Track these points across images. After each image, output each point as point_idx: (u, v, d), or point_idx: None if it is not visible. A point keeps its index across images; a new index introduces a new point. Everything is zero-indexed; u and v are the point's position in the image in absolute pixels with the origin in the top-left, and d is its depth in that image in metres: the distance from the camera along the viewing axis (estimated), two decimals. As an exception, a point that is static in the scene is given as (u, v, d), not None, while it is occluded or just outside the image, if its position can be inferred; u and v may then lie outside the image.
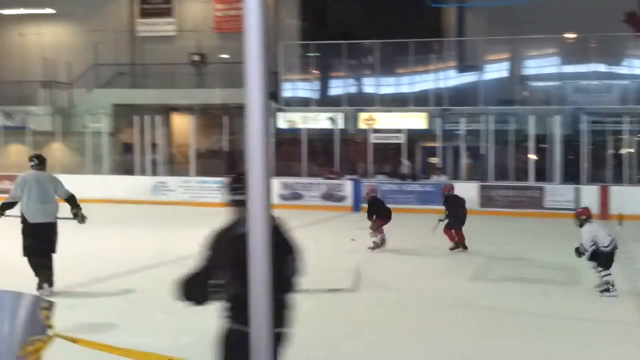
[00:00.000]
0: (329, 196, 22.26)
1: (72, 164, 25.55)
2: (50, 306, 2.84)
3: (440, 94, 24.15)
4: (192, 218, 17.31)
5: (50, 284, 9.03)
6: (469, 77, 25.38)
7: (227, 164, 24.45)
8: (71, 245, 10.32)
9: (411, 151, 23.96)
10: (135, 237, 15.01)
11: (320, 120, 24.38)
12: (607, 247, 9.25)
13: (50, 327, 2.82)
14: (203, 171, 23.70)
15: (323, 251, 12.07)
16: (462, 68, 25.83)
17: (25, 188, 9.22)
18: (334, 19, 28.58)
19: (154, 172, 24.22)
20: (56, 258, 9.23)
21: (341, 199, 22.07)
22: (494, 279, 11.11)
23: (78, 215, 9.46)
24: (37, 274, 9.01)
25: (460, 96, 24.28)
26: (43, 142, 26.54)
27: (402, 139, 23.10)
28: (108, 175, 24.38)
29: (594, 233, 9.30)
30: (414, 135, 23.77)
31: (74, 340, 2.97)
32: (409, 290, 9.97)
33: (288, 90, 25.98)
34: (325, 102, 25.97)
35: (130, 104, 26.18)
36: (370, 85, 26.05)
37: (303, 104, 25.54)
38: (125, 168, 25.73)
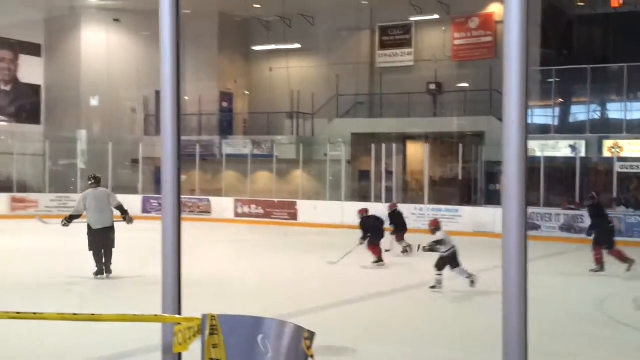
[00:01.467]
0: (568, 227, 21.24)
1: (312, 190, 26.81)
2: (311, 336, 2.90)
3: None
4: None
5: (109, 271, 12.02)
6: None
7: (462, 192, 24.27)
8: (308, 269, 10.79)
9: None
10: (357, 263, 15.18)
11: (560, 149, 23.42)
12: (445, 252, 11.28)
13: (312, 357, 2.88)
14: (437, 199, 23.70)
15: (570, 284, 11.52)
16: None
17: (85, 203, 12.30)
18: (578, 44, 27.43)
19: (389, 199, 24.62)
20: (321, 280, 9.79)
21: (582, 230, 20.94)
22: None
23: (126, 218, 12.46)
24: (97, 264, 12.02)
25: None
26: (286, 169, 28.23)
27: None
28: (345, 201, 25.20)
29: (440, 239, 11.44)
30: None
31: None
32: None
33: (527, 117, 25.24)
34: (566, 129, 24.88)
35: (368, 132, 26.94)
36: (616, 111, 24.57)
37: (542, 131, 24.68)
38: (361, 195, 26.47)
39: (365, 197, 25.43)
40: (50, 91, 31.05)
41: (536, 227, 21.50)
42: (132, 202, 26.49)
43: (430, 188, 24.17)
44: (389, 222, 16.11)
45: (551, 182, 23.47)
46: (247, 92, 32.64)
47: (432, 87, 27.66)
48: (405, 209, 23.64)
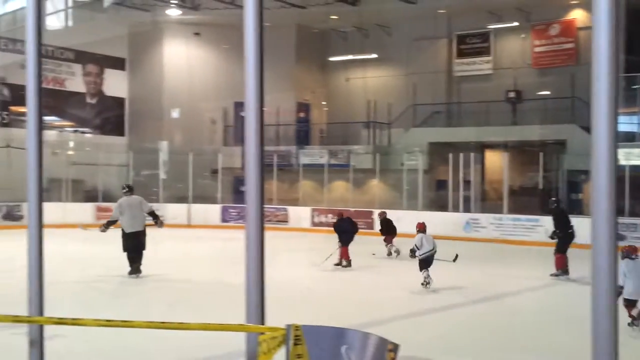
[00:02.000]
0: (655, 238, 20.47)
1: (389, 200, 26.69)
2: (395, 349, 2.89)
3: None
4: (503, 256, 17.06)
5: (139, 271, 13.17)
6: None
7: (542, 202, 23.67)
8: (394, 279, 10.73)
9: None
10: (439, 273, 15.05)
11: (646, 157, 22.62)
12: (423, 254, 12.52)
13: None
14: (516, 209, 23.25)
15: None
16: None
17: (120, 209, 13.59)
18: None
19: (467, 209, 24.31)
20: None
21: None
22: None
23: (157, 223, 13.81)
24: (130, 264, 13.21)
25: None
26: (363, 179, 28.22)
27: None
28: (422, 211, 24.99)
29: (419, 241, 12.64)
30: None
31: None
32: None
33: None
34: (652, 137, 24.04)
35: (446, 141, 26.69)
36: None
37: (627, 139, 23.89)
38: (438, 204, 26.22)
39: (442, 207, 25.18)
40: (133, 103, 32.01)
41: (622, 238, 20.80)
42: (211, 212, 27.10)
43: (509, 197, 23.73)
44: (379, 229, 18.09)
45: (636, 191, 22.69)
46: (324, 103, 32.84)
47: (512, 95, 27.20)
48: (483, 218, 23.38)
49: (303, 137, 31.54)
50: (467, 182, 24.84)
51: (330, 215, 26.15)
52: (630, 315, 9.35)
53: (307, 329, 3.14)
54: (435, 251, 12.75)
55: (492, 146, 27.53)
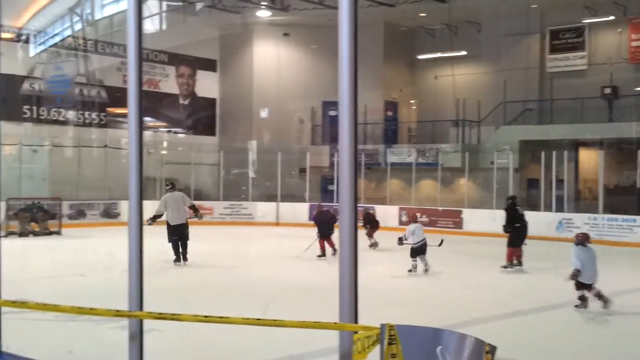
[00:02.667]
0: None
1: (478, 199, 26.31)
2: (492, 350, 2.85)
3: None
4: (601, 258, 16.49)
5: (185, 259, 14.66)
6: None
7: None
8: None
9: None
10: (524, 272, 14.70)
11: None
12: (416, 243, 13.86)
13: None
14: (612, 208, 22.49)
15: None
16: None
17: (165, 204, 14.90)
18: None
19: (559, 208, 23.68)
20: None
21: None
22: None
23: (197, 215, 15.53)
24: (175, 253, 14.66)
25: None
26: (451, 177, 27.89)
27: None
28: (513, 210, 24.50)
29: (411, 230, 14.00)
30: None
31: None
32: None
33: None
34: None
35: (538, 139, 26.06)
36: None
37: None
38: (530, 203, 25.64)
39: (534, 206, 24.61)
40: (224, 104, 32.67)
41: None
42: (299, 210, 27.36)
43: (604, 197, 22.98)
44: (363, 223, 18.90)
45: None
46: (412, 101, 32.64)
47: (607, 91, 26.32)
48: (577, 218, 22.72)
49: (391, 136, 31.44)
50: (560, 181, 24.25)
51: (418, 214, 25.96)
52: (579, 298, 10.37)
53: (402, 329, 3.14)
54: (426, 241, 13.91)
55: (587, 144, 26.67)
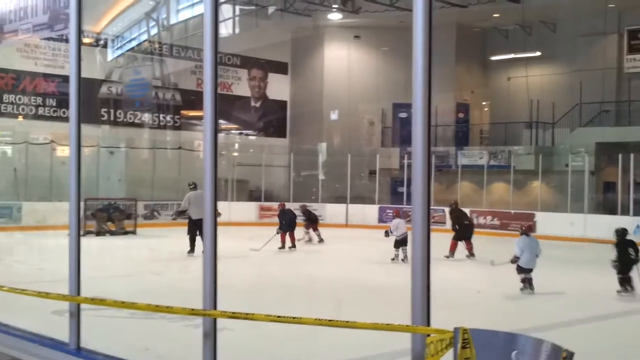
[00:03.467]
0: None
1: (552, 202, 25.76)
2: (570, 356, 2.78)
3: None
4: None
5: (193, 251, 15.83)
6: None
7: None
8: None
9: None
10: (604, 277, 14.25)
11: None
12: (400, 235, 15.55)
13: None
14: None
15: None
16: None
17: (189, 201, 16.80)
18: None
19: (637, 212, 22.95)
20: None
21: None
22: None
23: (217, 214, 15.65)
24: (191, 244, 16.03)
25: None
26: (523, 180, 27.38)
27: None
28: (588, 214, 23.92)
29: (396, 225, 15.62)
30: None
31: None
32: None
33: None
34: None
35: (615, 142, 25.33)
36: None
37: None
38: (606, 207, 24.96)
39: (610, 210, 23.98)
40: (295, 106, 32.93)
41: None
42: (369, 212, 27.34)
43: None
44: (303, 218, 20.53)
45: None
46: (484, 103, 32.20)
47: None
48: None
49: (462, 138, 31.08)
50: (638, 184, 23.55)
51: (489, 218, 25.61)
52: (522, 281, 11.90)
53: (475, 333, 3.11)
54: (407, 234, 15.01)
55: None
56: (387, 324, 3.57)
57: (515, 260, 11.94)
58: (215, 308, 4.85)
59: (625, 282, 12.61)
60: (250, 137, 32.54)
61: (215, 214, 15.15)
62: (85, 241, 6.39)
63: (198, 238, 15.56)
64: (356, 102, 31.19)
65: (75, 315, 6.06)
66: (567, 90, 28.05)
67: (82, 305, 6.06)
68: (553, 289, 12.91)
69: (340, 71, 31.58)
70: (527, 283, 11.85)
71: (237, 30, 30.35)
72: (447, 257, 16.47)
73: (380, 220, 26.96)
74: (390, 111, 31.37)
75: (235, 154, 30.74)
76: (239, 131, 32.15)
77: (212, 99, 4.91)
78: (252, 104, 32.33)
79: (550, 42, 29.26)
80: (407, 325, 3.45)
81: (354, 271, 15.00)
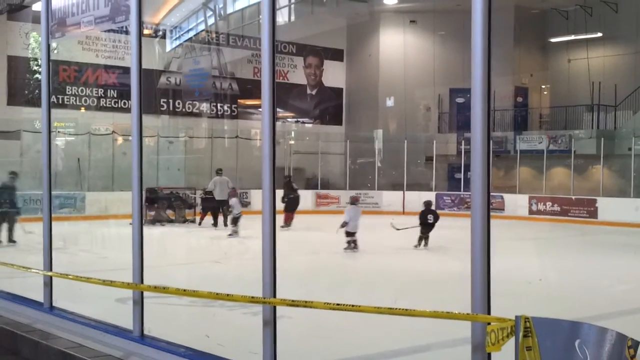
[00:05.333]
0: None
1: (614, 187, 25.18)
2: (635, 345, 2.72)
3: None
4: None
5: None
6: None
7: None
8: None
9: None
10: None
11: None
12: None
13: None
14: None
15: None
16: None
17: (214, 184, 20.64)
18: None
19: None
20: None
21: None
22: None
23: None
24: (214, 219, 20.55)
25: None
26: (584, 164, 26.79)
27: None
28: (653, 199, 23.32)
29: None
30: None
31: None
32: None
33: None
34: None
35: (681, 124, 24.61)
36: None
37: None
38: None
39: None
40: (350, 93, 32.85)
41: None
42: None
43: None
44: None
45: None
46: (543, 86, 31.56)
47: None
48: None
49: (520, 122, 30.55)
50: None
51: (549, 204, 25.15)
52: (347, 242, 14.44)
53: (538, 321, 3.06)
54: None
55: None
56: (448, 312, 3.55)
57: (343, 225, 14.49)
58: (274, 296, 4.89)
59: None
60: (307, 125, 32.61)
61: (207, 194, 17.13)
62: (146, 230, 6.50)
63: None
64: (412, 88, 30.92)
65: (139, 303, 6.19)
66: (630, 72, 27.31)
67: (145, 293, 6.18)
68: (617, 276, 12.63)
69: (396, 57, 31.35)
70: (353, 244, 14.47)
71: (292, 18, 30.40)
72: (282, 227, 18.49)
73: (438, 207, 26.72)
74: (447, 96, 31.03)
75: (292, 142, 30.87)
76: (295, 119, 32.26)
77: (269, 87, 4.93)
78: (308, 91, 32.37)
79: (612, 23, 28.45)
80: (468, 314, 3.42)
81: (410, 259, 14.92)
